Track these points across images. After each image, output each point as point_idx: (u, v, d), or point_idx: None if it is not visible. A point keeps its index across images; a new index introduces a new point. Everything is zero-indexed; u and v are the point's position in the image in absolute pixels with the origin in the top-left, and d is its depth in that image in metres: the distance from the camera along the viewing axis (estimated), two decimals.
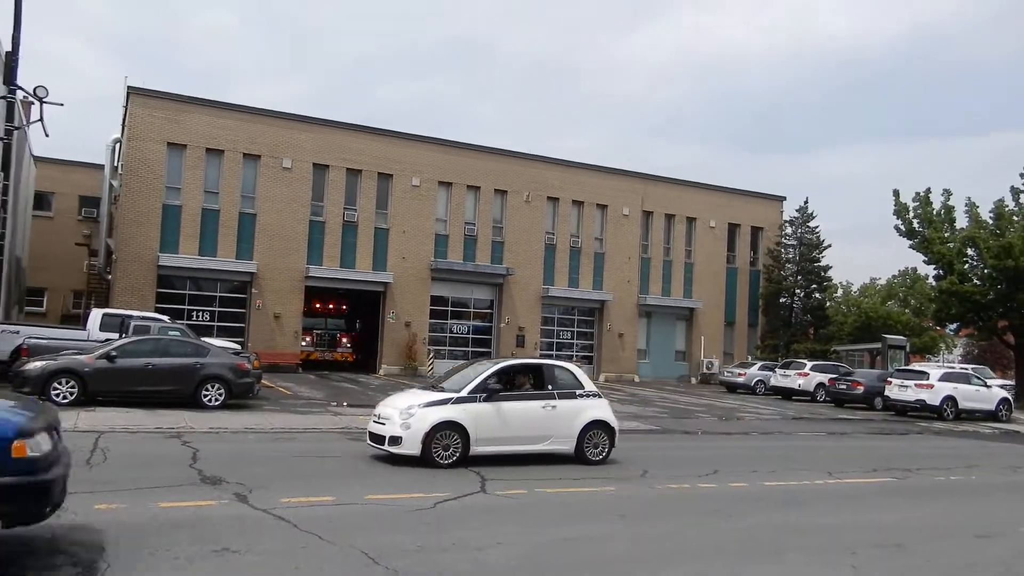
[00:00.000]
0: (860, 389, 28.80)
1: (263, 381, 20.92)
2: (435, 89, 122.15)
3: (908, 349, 37.28)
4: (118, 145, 32.34)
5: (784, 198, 42.83)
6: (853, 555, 7.69)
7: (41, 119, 14.20)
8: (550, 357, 36.05)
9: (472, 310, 34.86)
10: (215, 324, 29.38)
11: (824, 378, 31.22)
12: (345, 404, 20.14)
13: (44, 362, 15.90)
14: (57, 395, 15.51)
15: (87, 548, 6.42)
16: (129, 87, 29.06)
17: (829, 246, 41.16)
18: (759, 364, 34.91)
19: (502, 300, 34.66)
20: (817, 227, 41.47)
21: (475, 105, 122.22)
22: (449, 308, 34.15)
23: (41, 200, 41.03)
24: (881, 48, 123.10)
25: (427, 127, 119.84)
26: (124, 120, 30.48)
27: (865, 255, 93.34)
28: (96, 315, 21.72)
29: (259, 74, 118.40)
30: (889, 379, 27.76)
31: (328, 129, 31.74)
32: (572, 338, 37.11)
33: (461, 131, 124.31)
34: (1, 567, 5.89)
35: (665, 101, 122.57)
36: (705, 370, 38.67)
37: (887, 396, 27.38)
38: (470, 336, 34.71)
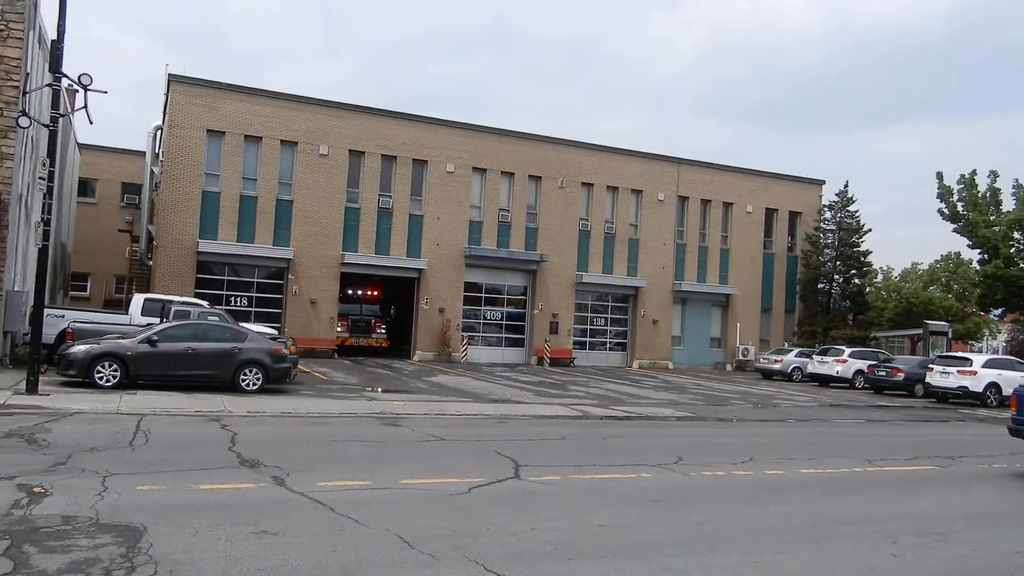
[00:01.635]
0: (900, 376, 28.30)
1: (299, 366, 21.19)
2: (471, 72, 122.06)
3: (950, 335, 36.51)
4: (159, 132, 32.87)
5: (823, 182, 42.14)
6: (894, 544, 7.55)
7: (85, 106, 14.41)
8: (583, 344, 36.00)
9: (506, 296, 34.88)
10: (253, 310, 29.81)
11: (863, 365, 30.74)
12: (380, 390, 20.30)
13: (88, 346, 16.26)
14: (100, 378, 15.87)
15: (130, 528, 6.55)
16: (170, 75, 29.48)
17: (869, 230, 40.47)
18: (796, 351, 34.48)
19: (535, 286, 34.63)
20: (857, 211, 40.77)
21: (510, 88, 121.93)
22: (483, 294, 34.21)
23: (85, 187, 41.92)
24: (927, 22, 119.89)
25: (462, 112, 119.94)
26: (165, 107, 30.94)
27: (906, 239, 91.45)
28: (138, 300, 22.16)
29: (298, 58, 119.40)
30: (931, 366, 27.22)
31: (363, 115, 31.87)
32: (606, 324, 36.99)
33: (496, 116, 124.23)
34: (46, 542, 6.04)
35: (702, 82, 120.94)
36: (741, 357, 38.33)
37: (928, 383, 26.86)
38: (503, 323, 34.76)
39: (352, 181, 31.56)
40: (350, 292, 33.57)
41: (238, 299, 29.86)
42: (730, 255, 39.07)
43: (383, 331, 33.92)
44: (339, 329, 32.08)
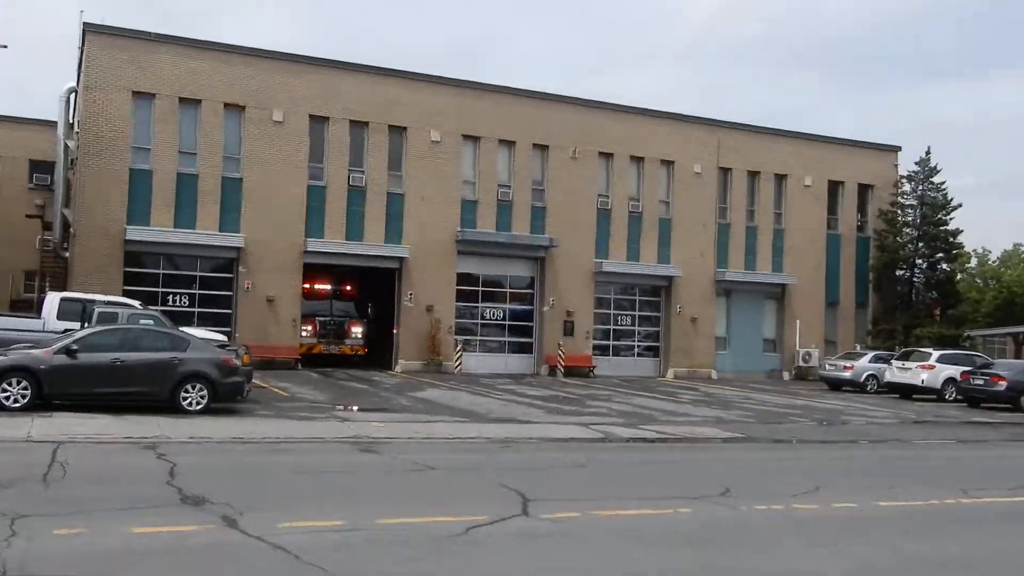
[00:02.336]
0: (1002, 385, 28.23)
1: (254, 380, 21.17)
2: (464, 22, 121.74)
3: None
4: (73, 96, 32.82)
5: (898, 148, 42.22)
6: None
7: None
8: (605, 349, 36.03)
9: (508, 290, 34.91)
10: (195, 310, 29.88)
11: (954, 371, 30.66)
12: (355, 409, 20.27)
13: None
14: (7, 398, 15.83)
15: None
16: (85, 24, 29.46)
17: (959, 206, 40.47)
18: (870, 355, 34.45)
19: (544, 278, 34.66)
20: (943, 183, 40.89)
21: (509, 38, 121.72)
22: (480, 288, 34.25)
23: None
24: None
25: (450, 67, 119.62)
26: (80, 65, 30.90)
27: (1007, 216, 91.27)
28: (53, 300, 22.15)
29: (248, 8, 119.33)
30: None
31: (328, 72, 31.91)
32: (632, 324, 37.01)
33: (492, 71, 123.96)
34: None
35: (750, 27, 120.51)
36: (801, 363, 38.33)
37: None
38: (506, 323, 34.79)
39: (315, 153, 31.57)
40: (317, 288, 33.66)
41: (177, 298, 29.92)
42: (785, 237, 39.11)
43: (359, 335, 34.02)
44: (304, 334, 32.13)
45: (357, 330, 34.08)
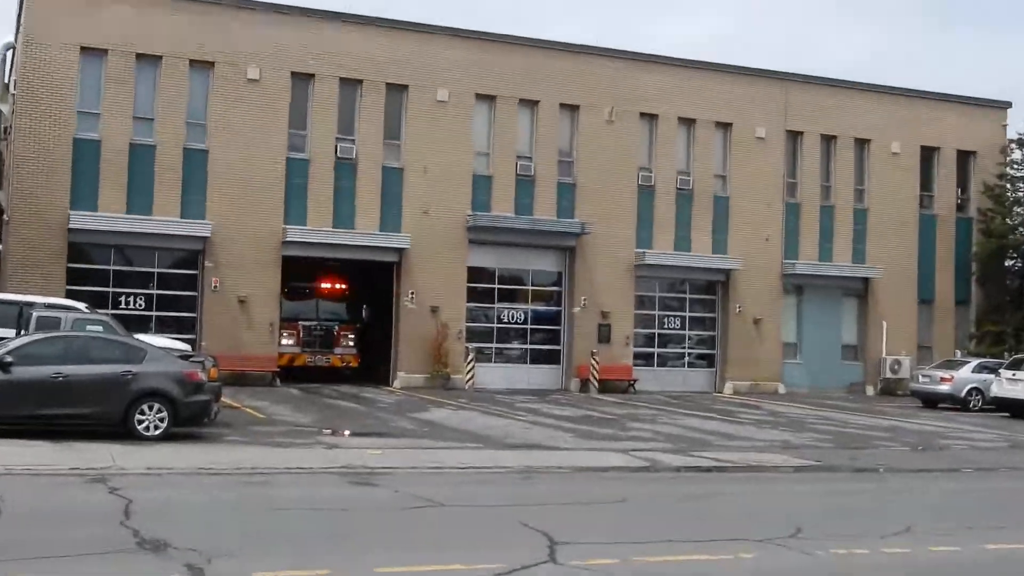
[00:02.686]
0: None
1: (224, 398, 21.23)
2: None
3: None
4: (11, 54, 33.07)
5: (1008, 104, 41.67)
6: None
7: None
8: (649, 359, 35.93)
9: (530, 288, 34.91)
10: (153, 314, 30.06)
11: None
12: (346, 433, 20.33)
13: None
14: None
15: None
16: None
17: None
18: (974, 363, 34.18)
19: (575, 272, 34.63)
20: None
21: None
22: (496, 286, 34.27)
23: None
24: None
25: (459, 15, 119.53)
26: (19, 17, 31.07)
27: None
28: None
29: None
30: None
31: (312, 22, 32.01)
32: (682, 327, 36.92)
33: (509, 18, 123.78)
34: None
35: None
36: (889, 373, 38.13)
37: None
38: (527, 327, 34.80)
39: (296, 119, 31.66)
40: (299, 286, 33.73)
41: (131, 299, 30.09)
42: (869, 219, 38.88)
43: (350, 344, 34.05)
44: (285, 341, 32.22)
45: (348, 337, 34.17)
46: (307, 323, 33.48)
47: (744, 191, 36.93)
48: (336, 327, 34.11)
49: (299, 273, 33.16)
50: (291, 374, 31.98)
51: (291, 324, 32.73)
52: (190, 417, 17.61)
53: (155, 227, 29.79)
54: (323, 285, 34.87)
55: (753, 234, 36.90)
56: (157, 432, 17.07)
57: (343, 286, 35.39)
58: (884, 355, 38.36)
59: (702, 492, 15.00)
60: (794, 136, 37.92)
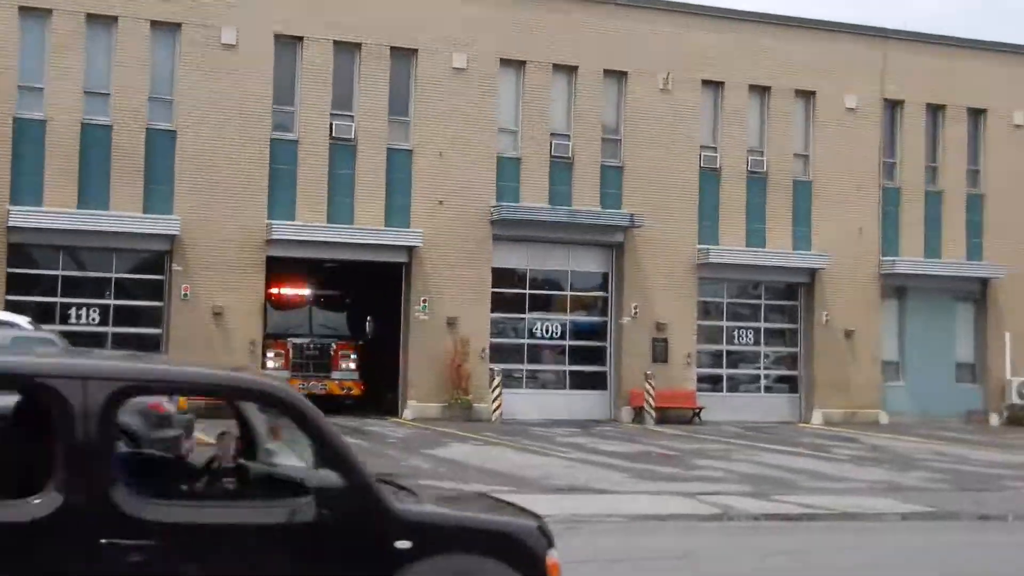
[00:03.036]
0: None
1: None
2: None
3: None
4: None
5: None
6: None
7: None
8: (716, 381, 35.69)
9: (568, 294, 34.85)
10: (109, 330, 30.09)
11: None
12: None
13: None
14: None
15: None
16: None
17: None
18: None
19: (623, 274, 34.51)
20: None
21: None
22: (527, 291, 34.21)
23: None
24: None
25: None
26: None
27: None
28: None
29: None
30: None
31: None
32: (756, 342, 36.73)
33: None
34: None
35: None
36: (1017, 399, 37.83)
37: None
38: (566, 343, 34.70)
39: (282, 91, 31.68)
40: (288, 294, 33.60)
41: (84, 311, 30.16)
42: (985, 206, 38.67)
43: (352, 366, 33.64)
44: (271, 364, 32.02)
45: (349, 358, 33.91)
46: (298, 340, 33.32)
47: (831, 173, 36.69)
48: (333, 345, 33.86)
49: (288, 278, 33.19)
50: None
51: (279, 341, 32.70)
52: None
53: (112, 224, 29.78)
54: (317, 292, 34.82)
55: (843, 226, 36.62)
56: None
57: (342, 294, 35.30)
58: (1008, 375, 38.00)
59: (790, 546, 14.78)
60: (892, 106, 37.71)
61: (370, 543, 6.52)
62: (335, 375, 33.53)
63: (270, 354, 32.19)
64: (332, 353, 33.71)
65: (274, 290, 32.37)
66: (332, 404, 32.80)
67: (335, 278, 34.91)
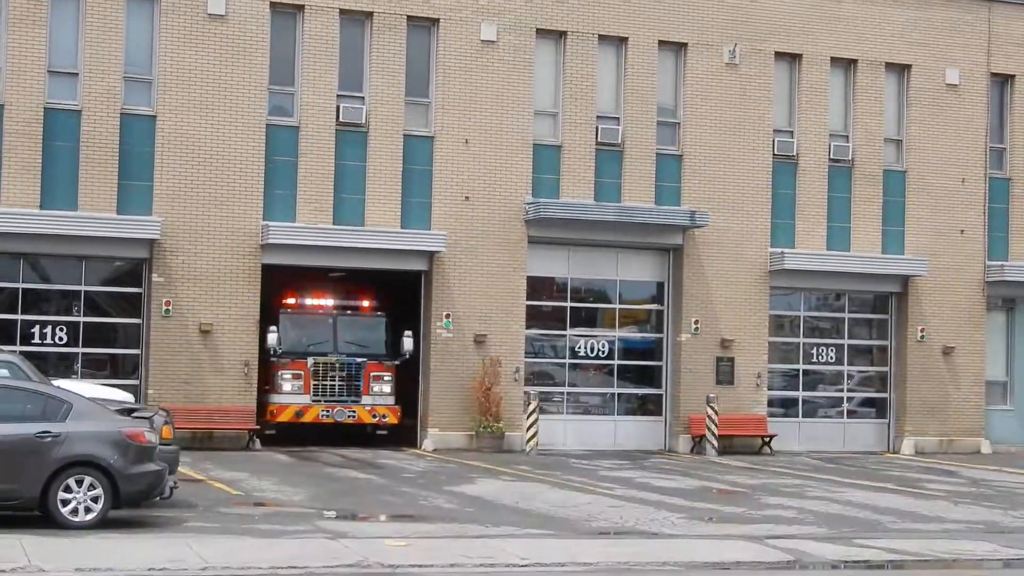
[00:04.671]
0: None
1: (183, 468, 21.28)
2: None
3: None
4: None
5: None
6: None
7: None
8: (791, 405, 35.63)
9: (616, 307, 34.95)
10: (80, 351, 30.30)
11: None
12: (357, 517, 20.32)
13: None
14: None
15: None
16: None
17: None
18: None
19: (681, 283, 34.58)
20: None
21: None
22: (567, 304, 34.34)
23: None
24: None
25: None
26: None
27: None
28: None
29: None
30: None
31: None
32: (836, 360, 36.73)
33: None
34: None
35: None
36: None
37: None
38: (614, 362, 34.80)
39: (280, 69, 31.88)
40: (305, 304, 33.01)
41: (49, 330, 30.31)
42: None
43: (386, 389, 33.17)
44: (287, 387, 31.90)
45: (383, 380, 33.22)
46: (323, 359, 32.60)
47: (928, 163, 36.65)
48: (364, 365, 33.10)
49: (285, 287, 33.09)
50: (287, 433, 31.75)
51: (296, 361, 32.28)
52: (136, 495, 17.58)
53: (81, 227, 29.93)
54: (343, 303, 34.37)
55: (942, 225, 36.62)
56: (90, 517, 17.08)
57: (375, 303, 34.73)
58: None
59: None
60: (1001, 82, 37.72)
61: None
62: (366, 401, 32.78)
63: (286, 375, 31.91)
64: (363, 375, 32.96)
65: (290, 299, 32.47)
66: (340, 434, 32.84)
67: (343, 290, 34.83)
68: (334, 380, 32.63)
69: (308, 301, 33.53)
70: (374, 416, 32.84)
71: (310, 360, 32.47)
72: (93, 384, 24.56)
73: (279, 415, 31.24)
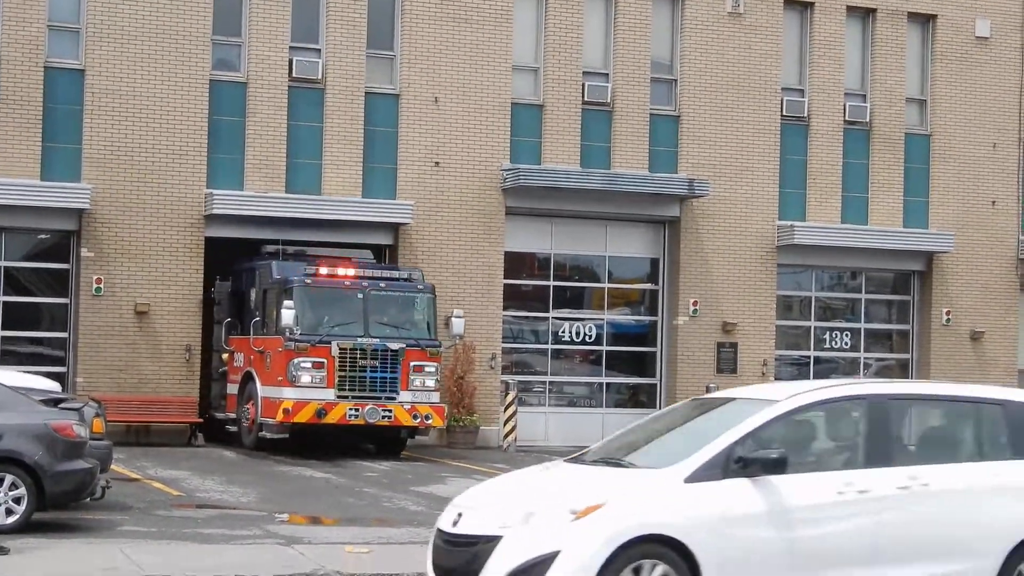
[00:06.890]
0: None
1: (117, 466, 21.26)
2: None
3: None
4: None
5: None
6: None
7: None
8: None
9: (607, 286, 35.23)
10: None
11: None
12: (308, 520, 20.40)
13: None
14: None
15: None
16: None
17: None
18: None
19: (678, 260, 34.80)
20: None
21: None
22: (550, 283, 34.57)
23: None
24: None
25: None
26: None
27: None
28: None
29: None
30: None
31: None
32: (852, 347, 37.04)
33: None
34: None
35: None
36: None
37: None
38: (602, 348, 35.03)
39: (226, 18, 31.93)
40: (331, 274, 30.11)
41: None
42: None
43: (430, 383, 30.46)
44: (305, 378, 28.72)
45: (426, 371, 30.27)
46: (350, 344, 29.48)
47: (956, 125, 36.88)
48: (403, 352, 30.10)
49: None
50: (306, 438, 29.86)
51: (317, 347, 29.13)
52: (63, 495, 17.63)
53: None
54: (374, 274, 31.10)
55: (971, 195, 36.88)
56: (11, 520, 17.08)
57: (410, 275, 31.44)
58: None
59: None
60: None
61: None
62: (404, 398, 29.98)
63: (305, 365, 28.83)
64: (399, 366, 30.15)
65: (318, 269, 29.60)
66: (397, 443, 30.75)
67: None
68: (366, 372, 29.56)
69: (338, 272, 30.30)
70: (414, 417, 29.87)
71: (337, 346, 29.40)
72: (14, 371, 24.46)
73: (296, 414, 28.28)
